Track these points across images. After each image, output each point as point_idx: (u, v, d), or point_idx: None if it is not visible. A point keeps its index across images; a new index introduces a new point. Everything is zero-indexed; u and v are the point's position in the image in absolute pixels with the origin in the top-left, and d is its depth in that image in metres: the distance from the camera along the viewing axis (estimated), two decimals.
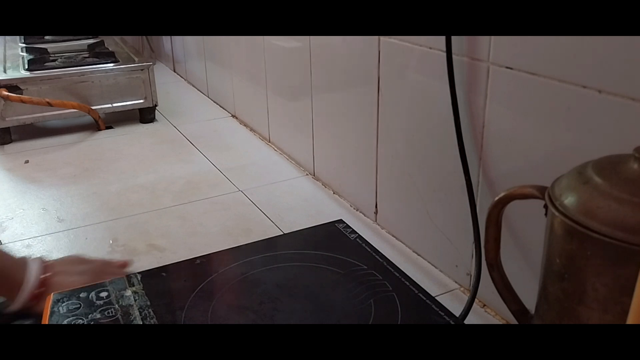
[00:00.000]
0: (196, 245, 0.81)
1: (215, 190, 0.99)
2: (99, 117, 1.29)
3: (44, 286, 0.64)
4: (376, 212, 0.86)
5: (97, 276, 0.66)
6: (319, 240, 0.76)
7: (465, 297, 0.67)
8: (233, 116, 1.39)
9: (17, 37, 1.61)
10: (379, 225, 0.86)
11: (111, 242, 0.83)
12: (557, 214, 0.40)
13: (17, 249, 0.81)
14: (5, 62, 1.34)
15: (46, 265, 0.66)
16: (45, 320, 0.61)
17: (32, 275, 0.63)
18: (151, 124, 1.35)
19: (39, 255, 0.66)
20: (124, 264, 0.75)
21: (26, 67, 1.27)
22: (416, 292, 0.63)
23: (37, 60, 1.33)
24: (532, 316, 0.48)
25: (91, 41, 1.53)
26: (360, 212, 0.90)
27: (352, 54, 0.82)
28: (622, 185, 0.37)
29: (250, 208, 0.92)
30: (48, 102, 1.20)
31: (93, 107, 1.27)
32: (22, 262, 0.65)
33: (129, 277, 0.67)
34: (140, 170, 1.08)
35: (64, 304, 0.63)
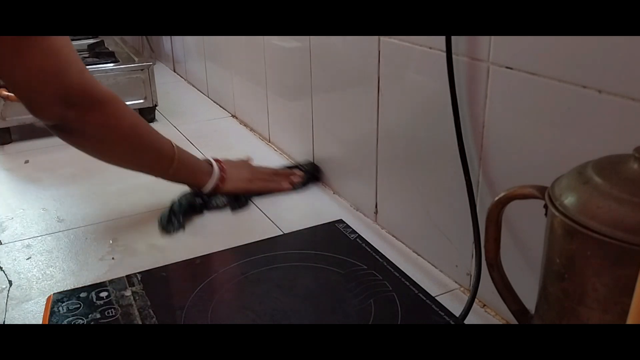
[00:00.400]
0: (196, 245, 0.80)
1: None
2: None
3: (224, 171, 0.92)
4: (376, 212, 0.86)
5: (254, 172, 0.98)
6: (319, 240, 0.76)
7: (465, 297, 0.67)
8: (233, 116, 1.39)
9: None
10: (379, 225, 0.86)
11: (111, 242, 0.83)
12: (557, 214, 0.40)
13: (17, 249, 0.81)
14: None
15: (219, 161, 0.93)
16: (45, 320, 0.61)
17: (217, 169, 0.91)
18: (151, 124, 1.35)
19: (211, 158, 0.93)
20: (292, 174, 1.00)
21: None
22: (416, 292, 0.63)
23: None
24: (532, 316, 0.48)
25: (91, 41, 1.53)
26: (360, 212, 0.90)
27: (352, 54, 0.82)
28: (622, 185, 0.37)
29: (250, 208, 0.92)
30: None
31: None
32: (207, 162, 0.92)
33: (129, 277, 0.67)
34: None
35: (64, 304, 0.63)
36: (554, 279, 0.42)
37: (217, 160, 0.93)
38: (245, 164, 1.00)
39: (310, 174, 0.99)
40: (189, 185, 0.91)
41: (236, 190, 0.92)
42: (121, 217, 0.90)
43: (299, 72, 0.99)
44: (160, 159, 0.86)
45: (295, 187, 0.97)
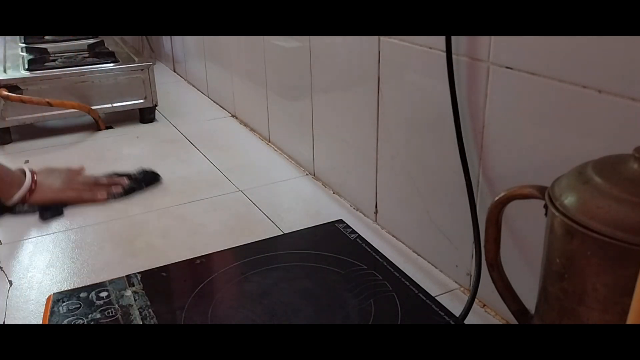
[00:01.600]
0: (196, 245, 0.80)
1: (215, 190, 0.99)
2: (99, 117, 1.29)
3: (34, 182, 0.90)
4: (376, 212, 0.86)
5: (70, 181, 0.94)
6: (319, 240, 0.76)
7: (465, 297, 0.67)
8: (233, 116, 1.39)
9: (17, 37, 1.61)
10: (379, 225, 0.86)
11: (108, 239, 0.83)
12: (557, 214, 0.40)
13: (17, 249, 0.81)
14: (5, 62, 1.34)
15: (34, 172, 0.91)
16: (45, 320, 0.61)
17: (28, 181, 0.89)
18: (151, 124, 1.35)
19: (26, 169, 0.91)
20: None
21: (26, 67, 1.27)
22: (416, 292, 0.63)
23: (37, 60, 1.33)
24: (532, 316, 0.48)
25: (91, 41, 1.53)
26: (360, 212, 0.90)
27: (352, 54, 0.82)
28: (622, 185, 0.37)
29: (250, 208, 0.92)
30: (48, 102, 1.20)
31: (93, 107, 1.27)
32: (20, 172, 0.90)
33: (129, 277, 0.67)
34: None
35: (64, 304, 0.63)
36: (554, 279, 0.42)
37: (32, 171, 0.91)
38: (64, 172, 0.95)
39: (137, 182, 0.98)
40: None
41: (44, 201, 0.90)
42: (121, 217, 0.90)
43: (299, 72, 0.99)
44: None
45: (114, 196, 0.94)
